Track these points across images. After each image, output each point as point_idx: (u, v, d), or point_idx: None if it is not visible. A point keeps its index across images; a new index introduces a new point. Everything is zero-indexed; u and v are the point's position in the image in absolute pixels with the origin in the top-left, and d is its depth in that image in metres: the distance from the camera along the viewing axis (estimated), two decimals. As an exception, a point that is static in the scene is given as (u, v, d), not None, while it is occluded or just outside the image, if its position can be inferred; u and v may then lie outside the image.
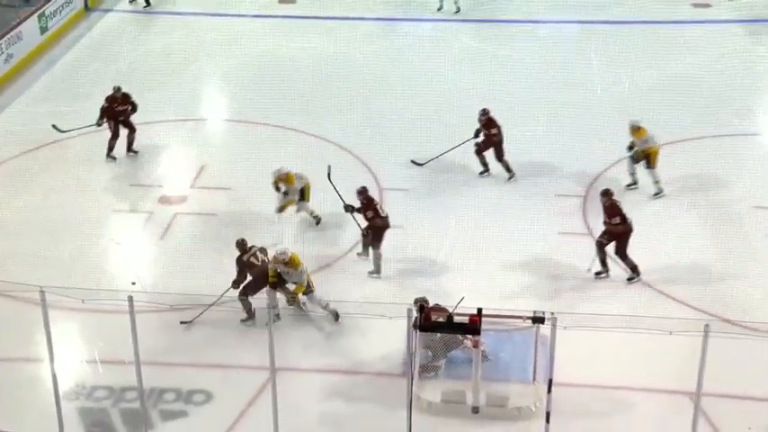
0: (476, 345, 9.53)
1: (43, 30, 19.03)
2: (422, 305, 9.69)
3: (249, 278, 11.00)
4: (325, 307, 10.98)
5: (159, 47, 18.86)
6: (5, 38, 17.67)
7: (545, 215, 13.05)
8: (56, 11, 19.55)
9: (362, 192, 12.01)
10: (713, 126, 15.40)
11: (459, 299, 9.58)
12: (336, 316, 10.98)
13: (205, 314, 10.89)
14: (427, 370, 10.07)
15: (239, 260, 11.08)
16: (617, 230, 11.52)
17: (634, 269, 11.66)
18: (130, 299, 8.65)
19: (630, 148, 13.64)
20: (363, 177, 14.06)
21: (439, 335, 9.84)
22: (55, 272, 11.58)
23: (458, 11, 19.53)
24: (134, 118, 14.96)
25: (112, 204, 13.67)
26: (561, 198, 13.60)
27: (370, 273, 11.90)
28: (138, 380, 8.95)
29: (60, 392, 9.23)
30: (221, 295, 10.92)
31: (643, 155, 13.51)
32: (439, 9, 19.70)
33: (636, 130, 13.45)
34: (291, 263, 10.76)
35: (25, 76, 17.78)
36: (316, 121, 15.79)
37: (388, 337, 10.55)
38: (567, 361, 9.93)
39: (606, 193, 11.77)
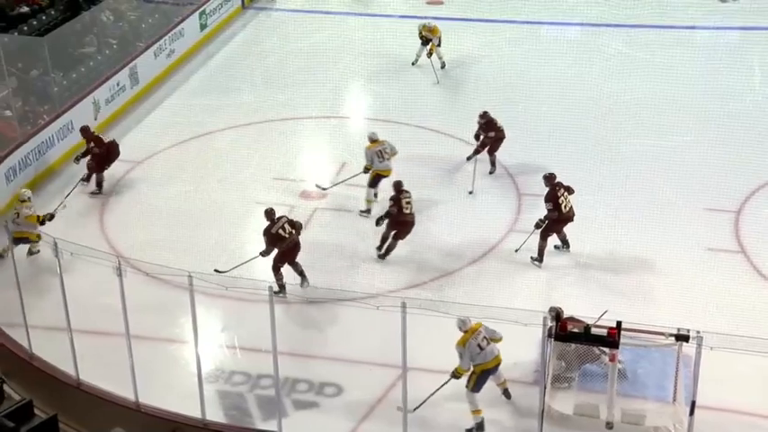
0: (613, 359, 9.21)
1: (203, 26, 19.93)
2: (558, 313, 9.49)
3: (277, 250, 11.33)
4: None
5: (308, 45, 19.33)
6: (169, 34, 18.61)
7: (694, 230, 12.47)
8: (215, 8, 20.44)
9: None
10: None
11: (603, 311, 9.30)
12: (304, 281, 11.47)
13: (340, 309, 11.06)
14: (560, 380, 9.83)
15: (267, 231, 11.38)
16: (551, 216, 11.88)
17: (540, 254, 11.94)
18: (270, 289, 8.88)
19: None
20: (503, 182, 13.95)
21: (573, 346, 9.58)
22: (201, 259, 12.02)
23: (443, 66, 17.80)
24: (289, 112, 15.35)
25: (256, 197, 14.10)
26: (710, 212, 12.96)
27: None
28: (275, 368, 9.16)
29: (202, 375, 9.58)
30: (253, 258, 11.55)
31: None
32: (413, 63, 18.08)
33: None
34: None
35: (184, 71, 18.64)
36: (455, 122, 15.73)
37: (521, 345, 10.38)
38: (707, 382, 9.50)
39: (546, 178, 12.09)
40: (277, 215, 11.69)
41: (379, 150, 13.40)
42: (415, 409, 9.37)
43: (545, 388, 8.93)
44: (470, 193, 13.84)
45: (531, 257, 12.07)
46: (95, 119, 15.97)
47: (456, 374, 9.62)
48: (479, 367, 9.59)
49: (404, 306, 8.80)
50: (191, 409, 9.59)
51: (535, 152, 14.61)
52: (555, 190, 11.97)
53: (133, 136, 16.00)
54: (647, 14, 19.74)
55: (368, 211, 13.37)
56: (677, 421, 9.17)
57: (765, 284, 11.33)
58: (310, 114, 16.60)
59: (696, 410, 8.49)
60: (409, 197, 12.23)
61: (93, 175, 14.30)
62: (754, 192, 13.36)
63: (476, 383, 9.57)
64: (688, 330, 8.80)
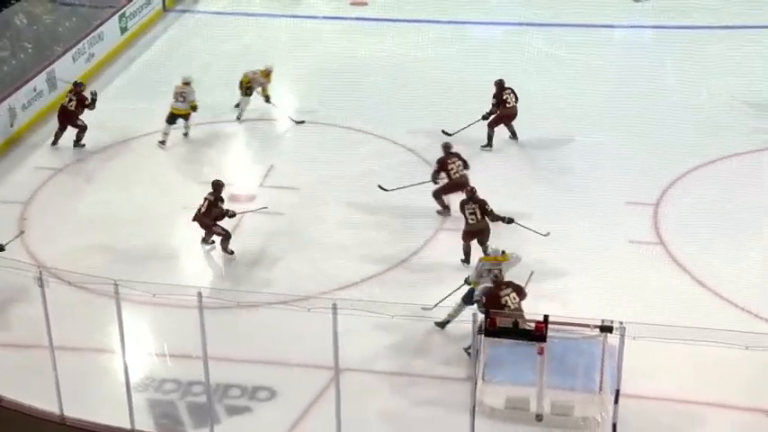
0: (541, 352, 9.40)
1: (123, 30, 19.56)
2: (488, 310, 9.65)
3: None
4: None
5: (232, 47, 19.17)
6: (88, 38, 18.21)
7: (614, 223, 12.82)
8: (136, 11, 20.08)
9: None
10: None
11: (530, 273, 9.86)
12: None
13: (272, 313, 11.01)
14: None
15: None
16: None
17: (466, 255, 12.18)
18: (199, 295, 8.80)
19: None
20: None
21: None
22: (127, 266, 11.84)
23: (267, 99, 16.30)
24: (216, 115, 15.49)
25: (183, 201, 13.90)
26: (632, 206, 13.34)
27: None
28: (206, 374, 9.08)
29: (131, 384, 9.43)
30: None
31: None
32: (238, 118, 16.21)
33: None
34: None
35: (105, 75, 18.28)
36: (384, 123, 15.83)
37: (453, 341, 10.54)
38: (634, 372, 9.76)
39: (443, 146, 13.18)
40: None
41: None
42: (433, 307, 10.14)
43: (476, 383, 9.05)
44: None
45: (462, 259, 12.21)
46: (11, 125, 15.53)
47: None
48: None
49: (335, 307, 8.83)
50: (120, 420, 9.43)
51: (462, 150, 14.78)
52: (447, 158, 13.02)
53: (54, 142, 15.63)
54: (567, 14, 20.23)
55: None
56: (604, 410, 9.41)
57: (684, 274, 11.69)
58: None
59: (621, 399, 8.72)
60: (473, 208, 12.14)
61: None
62: (671, 184, 13.78)
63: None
64: (612, 321, 9.05)
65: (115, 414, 9.48)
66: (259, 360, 10.64)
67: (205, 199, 12.53)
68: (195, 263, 12.61)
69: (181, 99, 15.30)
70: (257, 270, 12.27)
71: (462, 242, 12.19)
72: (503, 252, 10.93)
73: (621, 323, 8.77)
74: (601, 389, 9.67)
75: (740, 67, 17.53)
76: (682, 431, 9.44)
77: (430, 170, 14.31)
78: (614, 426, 8.77)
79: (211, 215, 12.43)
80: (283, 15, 20.95)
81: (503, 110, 14.83)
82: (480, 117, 14.85)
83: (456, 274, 11.54)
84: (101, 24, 18.75)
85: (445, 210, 13.25)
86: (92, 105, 15.28)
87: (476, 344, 9.01)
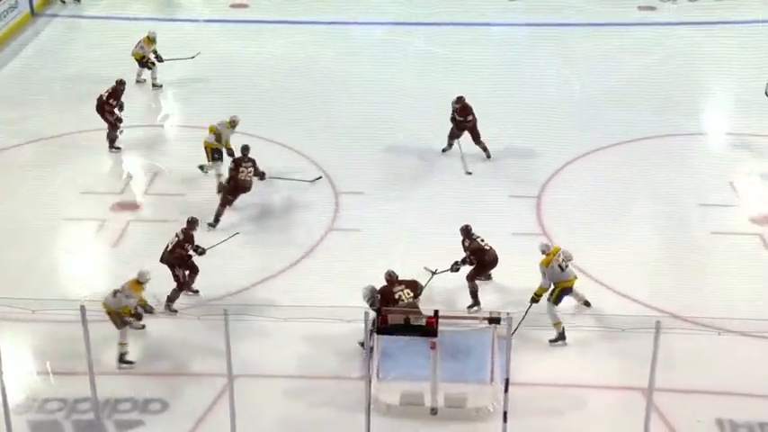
0: (433, 347, 9.56)
1: (-15, 36, 18.70)
2: (379, 308, 9.75)
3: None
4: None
5: (111, 52, 18.62)
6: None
7: (499, 216, 13.17)
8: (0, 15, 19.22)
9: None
10: (661, 126, 15.68)
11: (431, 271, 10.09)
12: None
13: (161, 322, 10.79)
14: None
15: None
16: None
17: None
18: (83, 308, 8.52)
19: None
20: (320, 182, 14.10)
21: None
22: (4, 282, 11.35)
23: (231, 153, 14.04)
24: (94, 123, 14.90)
25: (63, 213, 13.44)
26: (515, 199, 13.74)
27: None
28: (92, 390, 8.82)
29: (10, 405, 9.03)
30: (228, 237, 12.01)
31: None
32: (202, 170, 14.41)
33: None
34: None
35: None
36: (270, 125, 15.72)
37: (346, 341, 10.58)
38: (523, 360, 10.11)
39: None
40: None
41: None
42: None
43: (370, 381, 9.12)
44: (469, 173, 14.14)
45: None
46: None
47: (535, 297, 10.60)
48: (561, 284, 10.60)
49: (226, 313, 8.74)
50: (0, 445, 9.04)
51: (349, 150, 14.88)
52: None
53: None
54: (445, 13, 20.67)
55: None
56: (495, 400, 9.66)
57: (566, 263, 12.10)
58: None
59: (511, 387, 8.95)
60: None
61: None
62: (551, 177, 14.25)
63: (557, 298, 10.60)
64: (499, 313, 9.30)
65: (-5, 439, 9.08)
66: (149, 372, 10.39)
67: (175, 235, 11.38)
68: (77, 276, 12.18)
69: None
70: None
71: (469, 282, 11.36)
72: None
73: (509, 314, 9.02)
74: (492, 379, 9.92)
75: (608, 62, 18.32)
76: (567, 413, 9.76)
77: (317, 171, 14.39)
78: (505, 414, 9.01)
79: (174, 255, 11.19)
80: (161, 19, 20.50)
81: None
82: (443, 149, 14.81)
83: (346, 273, 11.58)
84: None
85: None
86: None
87: (369, 342, 9.08)
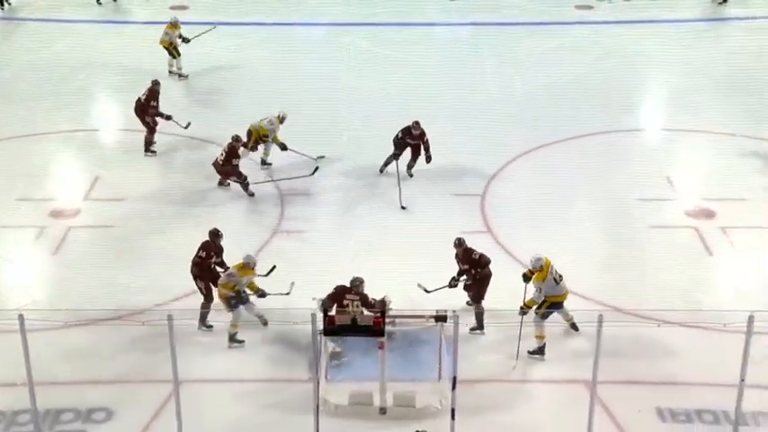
0: (381, 346, 9.59)
1: None
2: (326, 310, 9.74)
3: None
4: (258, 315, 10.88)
5: (47, 55, 18.24)
6: None
7: (444, 215, 13.27)
8: None
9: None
10: (600, 123, 15.95)
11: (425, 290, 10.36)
12: (265, 322, 10.86)
13: (104, 330, 10.61)
14: (336, 357, 10.17)
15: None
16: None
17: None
18: (21, 317, 8.34)
19: None
20: (262, 185, 14.03)
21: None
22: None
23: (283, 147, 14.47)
24: (30, 128, 14.35)
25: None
26: (459, 198, 13.85)
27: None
28: (32, 401, 8.63)
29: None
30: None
31: None
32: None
33: None
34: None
35: None
36: (211, 126, 15.58)
37: (293, 343, 10.54)
38: (470, 358, 10.21)
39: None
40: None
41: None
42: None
43: (318, 383, 9.11)
44: (403, 208, 13.45)
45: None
46: None
47: (524, 309, 10.30)
48: (551, 299, 10.37)
49: (170, 318, 8.64)
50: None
51: (293, 152, 14.83)
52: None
53: None
54: (388, 13, 20.75)
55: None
56: (443, 397, 9.71)
57: (511, 260, 12.24)
58: (57, 129, 15.70)
59: (459, 385, 9.02)
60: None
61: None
62: (495, 174, 14.39)
63: (545, 313, 10.38)
64: (445, 311, 9.37)
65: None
66: (92, 380, 10.19)
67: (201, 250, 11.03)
68: (13, 282, 11.90)
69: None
70: (86, 287, 11.71)
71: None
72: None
73: (455, 312, 9.10)
74: (440, 377, 9.99)
75: (548, 60, 18.59)
76: (514, 408, 9.88)
77: (260, 172, 14.32)
78: (453, 411, 9.07)
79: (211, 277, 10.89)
80: (98, 21, 20.17)
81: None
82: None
83: (292, 276, 11.53)
84: None
85: None
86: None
87: (316, 344, 9.07)
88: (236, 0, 21.05)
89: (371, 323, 9.28)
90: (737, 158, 14.85)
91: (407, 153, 14.26)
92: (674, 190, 14.06)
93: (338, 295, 10.27)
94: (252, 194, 13.59)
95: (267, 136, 14.32)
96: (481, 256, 10.98)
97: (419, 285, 10.93)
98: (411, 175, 14.29)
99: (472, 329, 10.78)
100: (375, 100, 16.32)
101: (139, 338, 10.57)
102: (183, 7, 20.98)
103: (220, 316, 10.71)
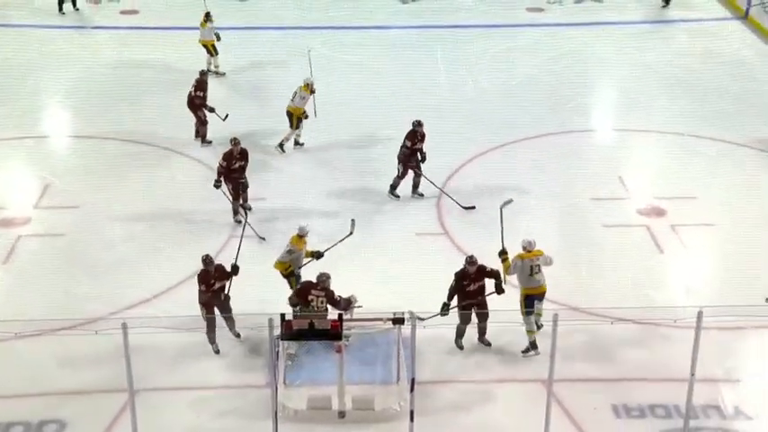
0: (339, 350, 9.58)
1: None
2: (282, 315, 9.68)
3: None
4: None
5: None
6: None
7: (400, 216, 13.28)
8: None
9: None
10: (553, 123, 16.15)
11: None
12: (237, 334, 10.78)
13: (56, 340, 10.42)
14: (291, 358, 10.13)
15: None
16: None
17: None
18: (-31, 329, 8.16)
19: None
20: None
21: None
22: None
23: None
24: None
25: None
26: (415, 199, 13.89)
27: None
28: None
29: None
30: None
31: None
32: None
33: None
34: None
35: None
36: (165, 132, 15.43)
37: (251, 349, 10.48)
38: (428, 359, 10.24)
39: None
40: None
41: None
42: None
43: (276, 388, 9.06)
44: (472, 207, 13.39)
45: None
46: None
47: (500, 286, 10.43)
48: (525, 290, 10.42)
49: (124, 327, 8.52)
50: None
51: (253, 157, 14.68)
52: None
53: None
54: (342, 16, 20.76)
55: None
56: (402, 399, 9.73)
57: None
58: (5, 135, 15.43)
59: (417, 386, 9.05)
60: None
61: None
62: (450, 176, 14.47)
63: (525, 306, 10.35)
64: (403, 313, 9.37)
65: None
66: (44, 392, 9.99)
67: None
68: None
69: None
70: (37, 296, 11.50)
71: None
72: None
73: (412, 314, 9.12)
74: (398, 379, 10.00)
75: (501, 62, 18.76)
76: (472, 408, 9.92)
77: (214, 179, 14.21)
78: (411, 413, 9.09)
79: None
80: (49, 26, 19.83)
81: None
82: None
83: (252, 281, 11.44)
84: None
85: None
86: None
87: (273, 348, 9.02)
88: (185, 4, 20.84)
89: (329, 327, 9.25)
90: (686, 157, 15.14)
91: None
92: (626, 189, 14.27)
93: (304, 290, 10.25)
94: (246, 210, 12.91)
95: (305, 113, 14.70)
96: (491, 269, 10.64)
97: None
98: (422, 195, 13.91)
99: (524, 352, 10.52)
100: (332, 103, 16.28)
101: (93, 348, 10.40)
102: (134, 12, 20.75)
103: (178, 322, 10.59)
